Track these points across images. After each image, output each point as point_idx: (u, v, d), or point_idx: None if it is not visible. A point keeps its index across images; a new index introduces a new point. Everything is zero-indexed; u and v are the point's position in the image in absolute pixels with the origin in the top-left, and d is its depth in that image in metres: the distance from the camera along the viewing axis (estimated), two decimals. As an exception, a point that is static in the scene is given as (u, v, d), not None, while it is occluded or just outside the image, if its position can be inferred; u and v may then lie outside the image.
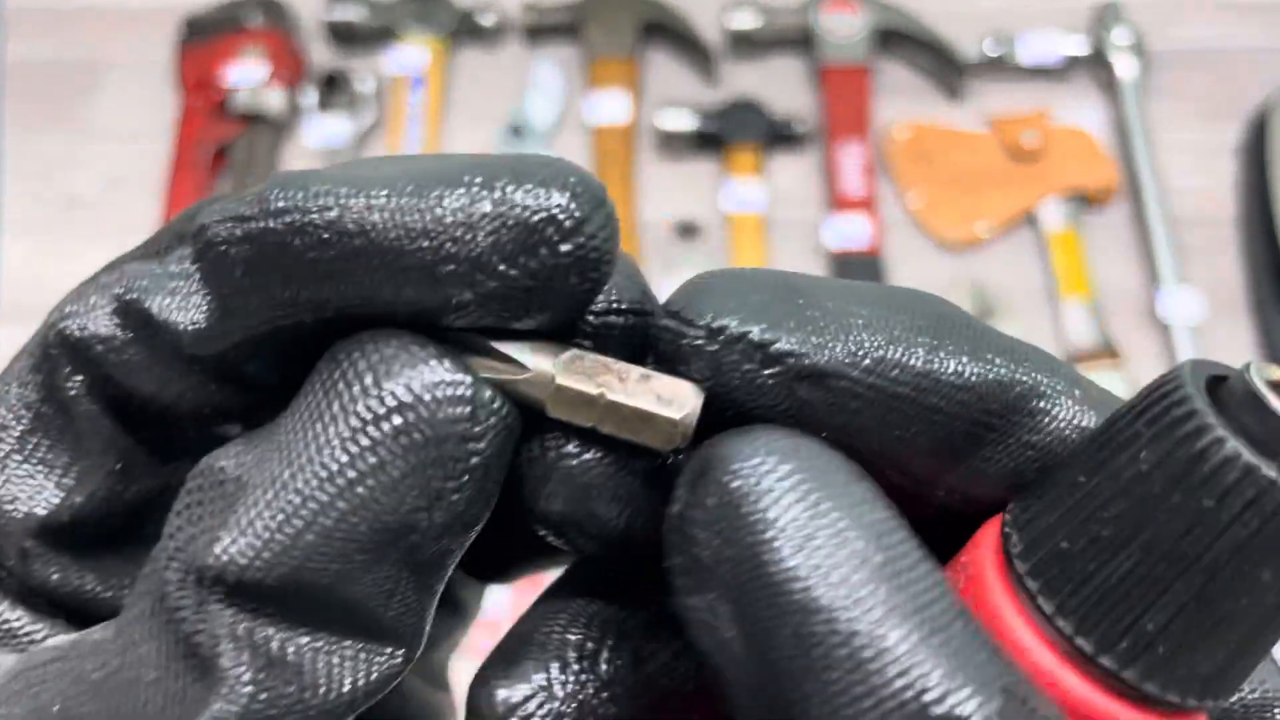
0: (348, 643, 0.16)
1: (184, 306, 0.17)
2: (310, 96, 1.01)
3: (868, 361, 0.16)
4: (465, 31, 1.04)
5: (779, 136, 0.97)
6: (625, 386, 0.16)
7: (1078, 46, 1.00)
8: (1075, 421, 0.17)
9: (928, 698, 0.13)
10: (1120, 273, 0.93)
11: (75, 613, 0.20)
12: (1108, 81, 1.00)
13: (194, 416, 0.19)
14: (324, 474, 0.15)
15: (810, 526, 0.14)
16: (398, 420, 0.15)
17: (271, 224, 0.16)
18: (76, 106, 1.03)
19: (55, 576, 0.19)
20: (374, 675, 0.17)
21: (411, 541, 0.16)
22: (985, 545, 0.17)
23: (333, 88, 1.01)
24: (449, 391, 0.15)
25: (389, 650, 0.17)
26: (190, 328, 0.17)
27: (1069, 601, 0.15)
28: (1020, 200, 0.95)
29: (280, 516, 0.15)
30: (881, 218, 0.95)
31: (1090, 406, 0.17)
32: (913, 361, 0.16)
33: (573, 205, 0.15)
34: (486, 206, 0.15)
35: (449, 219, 0.15)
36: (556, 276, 0.15)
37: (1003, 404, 0.17)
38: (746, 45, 1.02)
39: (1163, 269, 0.90)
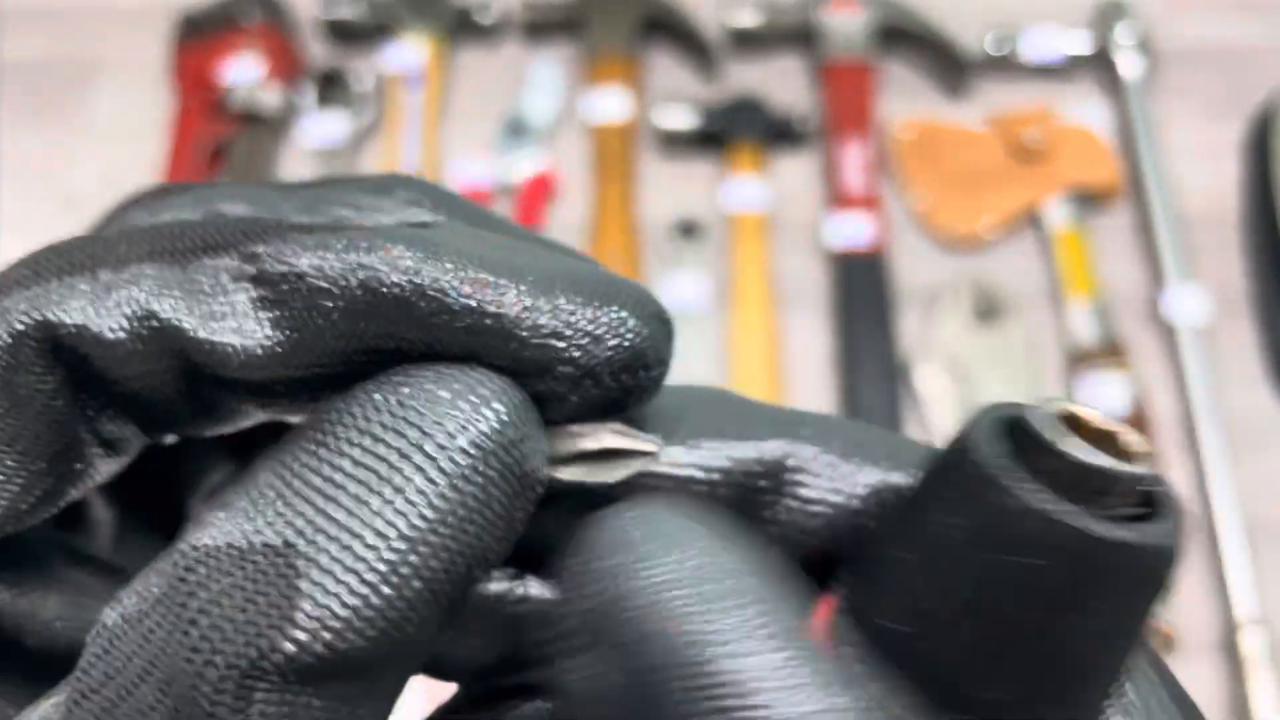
0: (367, 702, 0.15)
1: (238, 331, 0.16)
2: (308, 94, 1.00)
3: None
4: (464, 29, 1.03)
5: (780, 134, 0.97)
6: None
7: (1081, 44, 0.99)
8: (838, 483, 0.19)
9: None
10: (1125, 272, 0.92)
11: None
12: (1112, 79, 0.99)
13: (165, 421, 0.18)
14: (429, 520, 0.15)
15: (690, 577, 0.14)
16: (499, 457, 0.15)
17: (398, 279, 0.16)
18: (72, 105, 1.03)
19: None
20: None
21: (475, 579, 0.15)
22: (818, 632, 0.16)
23: (330, 85, 1.00)
24: (528, 418, 0.16)
25: (393, 703, 0.16)
26: (244, 356, 0.16)
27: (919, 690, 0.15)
28: (1024, 199, 0.94)
29: (376, 576, 0.14)
30: (884, 216, 0.94)
31: (853, 460, 0.19)
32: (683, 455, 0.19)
33: (664, 338, 0.17)
34: (608, 324, 0.16)
35: (579, 327, 0.16)
36: (635, 393, 0.17)
37: (761, 479, 0.18)
38: (747, 43, 1.02)
39: (1168, 268, 0.90)
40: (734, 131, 0.96)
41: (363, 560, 0.14)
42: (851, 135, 0.96)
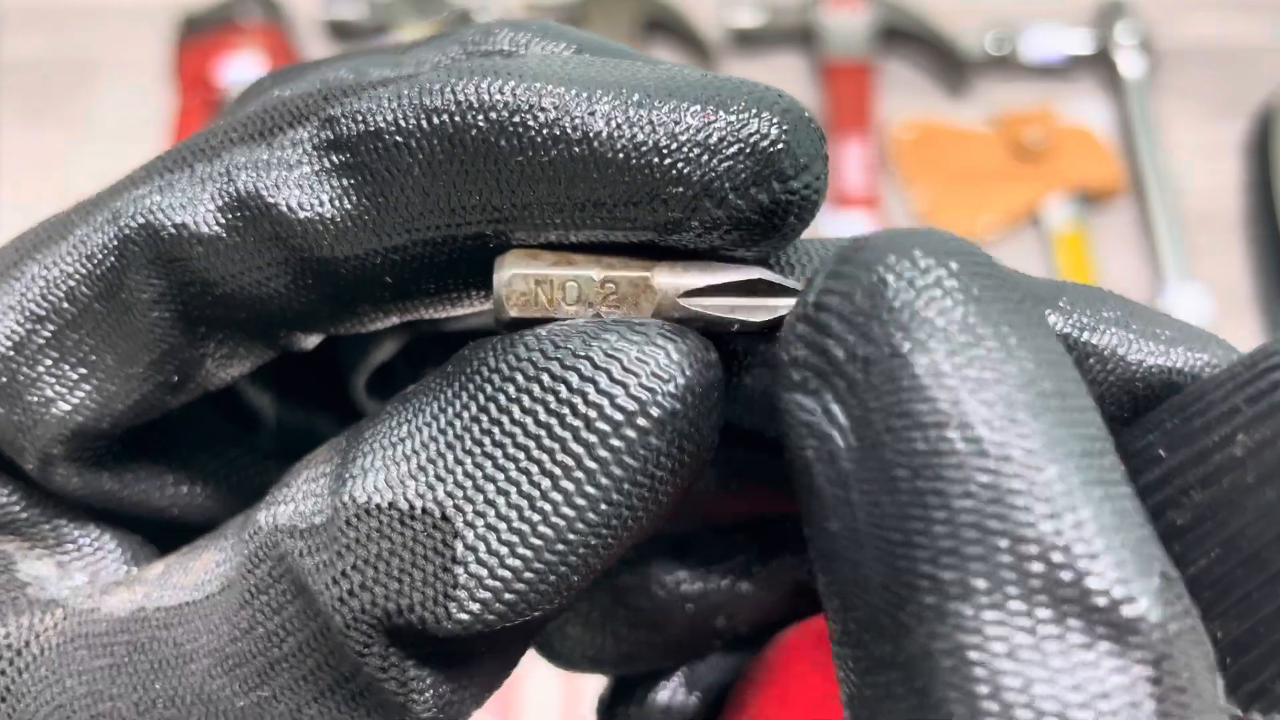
0: (484, 665, 0.15)
1: (322, 201, 0.15)
2: (308, 94, 1.00)
3: None
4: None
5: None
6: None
7: (1082, 43, 0.99)
8: (1114, 372, 0.16)
9: (1083, 566, 0.11)
10: (1126, 271, 0.92)
11: (94, 514, 0.18)
12: (1112, 79, 0.99)
13: (281, 323, 0.17)
14: (596, 502, 0.13)
15: (971, 334, 0.12)
16: (691, 439, 0.14)
17: (473, 119, 0.14)
18: (73, 104, 1.03)
19: (75, 483, 0.18)
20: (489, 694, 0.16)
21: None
22: None
23: (331, 85, 1.00)
24: (707, 372, 0.14)
25: (510, 669, 0.16)
26: (333, 226, 0.15)
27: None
28: (1024, 198, 0.94)
29: (530, 552, 0.13)
30: (884, 215, 0.94)
31: (1151, 343, 0.16)
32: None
33: (805, 140, 0.14)
34: (723, 129, 0.14)
35: (685, 137, 0.14)
36: (779, 213, 0.14)
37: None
38: (747, 42, 1.02)
39: (1168, 267, 0.90)
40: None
41: (518, 535, 0.13)
42: (852, 134, 0.96)
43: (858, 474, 0.12)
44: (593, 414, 0.13)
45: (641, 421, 0.13)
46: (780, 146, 0.14)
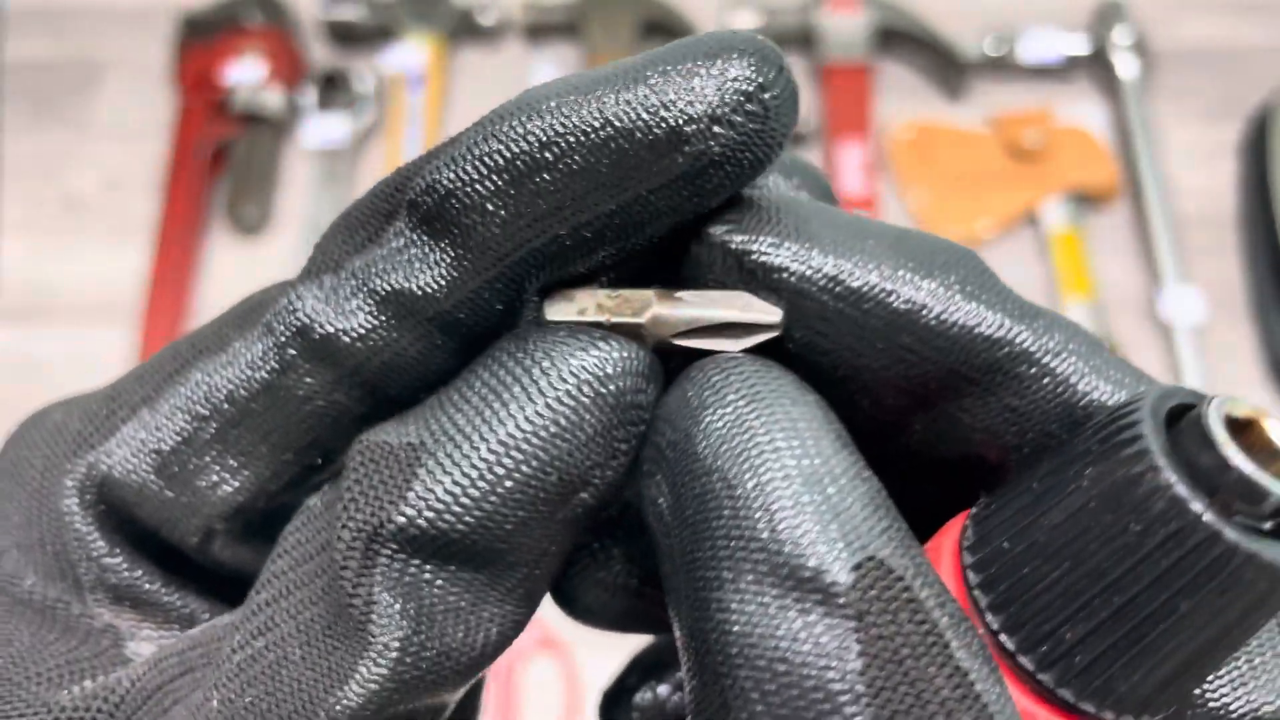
0: (490, 601, 0.18)
1: (434, 268, 0.18)
2: (309, 96, 1.01)
3: (828, 283, 0.17)
4: (465, 30, 1.04)
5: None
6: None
7: (1079, 45, 1.00)
8: (1062, 396, 0.17)
9: (794, 555, 0.15)
10: (1122, 273, 0.92)
11: (225, 593, 0.21)
12: (1109, 81, 1.00)
13: (420, 387, 0.19)
14: (524, 430, 0.17)
15: (738, 414, 0.16)
16: (592, 386, 0.17)
17: (520, 145, 0.17)
18: (75, 106, 1.03)
19: (228, 556, 0.20)
20: (503, 635, 0.18)
21: (580, 500, 0.17)
22: (949, 534, 0.17)
23: (332, 87, 1.01)
24: (631, 364, 0.17)
25: (520, 611, 0.18)
26: (446, 284, 0.18)
27: (1000, 599, 0.16)
28: (1021, 200, 0.95)
29: (475, 471, 0.17)
30: (882, 217, 0.95)
31: (1102, 380, 0.17)
32: (891, 299, 0.17)
33: (761, 64, 0.17)
34: (701, 74, 0.17)
35: (676, 88, 0.17)
36: (770, 119, 0.17)
37: (986, 360, 0.17)
38: (747, 44, 1.02)
39: (1164, 269, 0.90)
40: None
41: (466, 458, 0.17)
42: (850, 136, 0.97)
43: (673, 523, 0.16)
44: (530, 378, 0.17)
45: (566, 386, 0.17)
46: (747, 70, 0.17)
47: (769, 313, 0.17)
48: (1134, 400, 0.15)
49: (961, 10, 1.03)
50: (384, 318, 0.18)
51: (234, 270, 0.95)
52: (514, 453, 0.17)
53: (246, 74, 0.99)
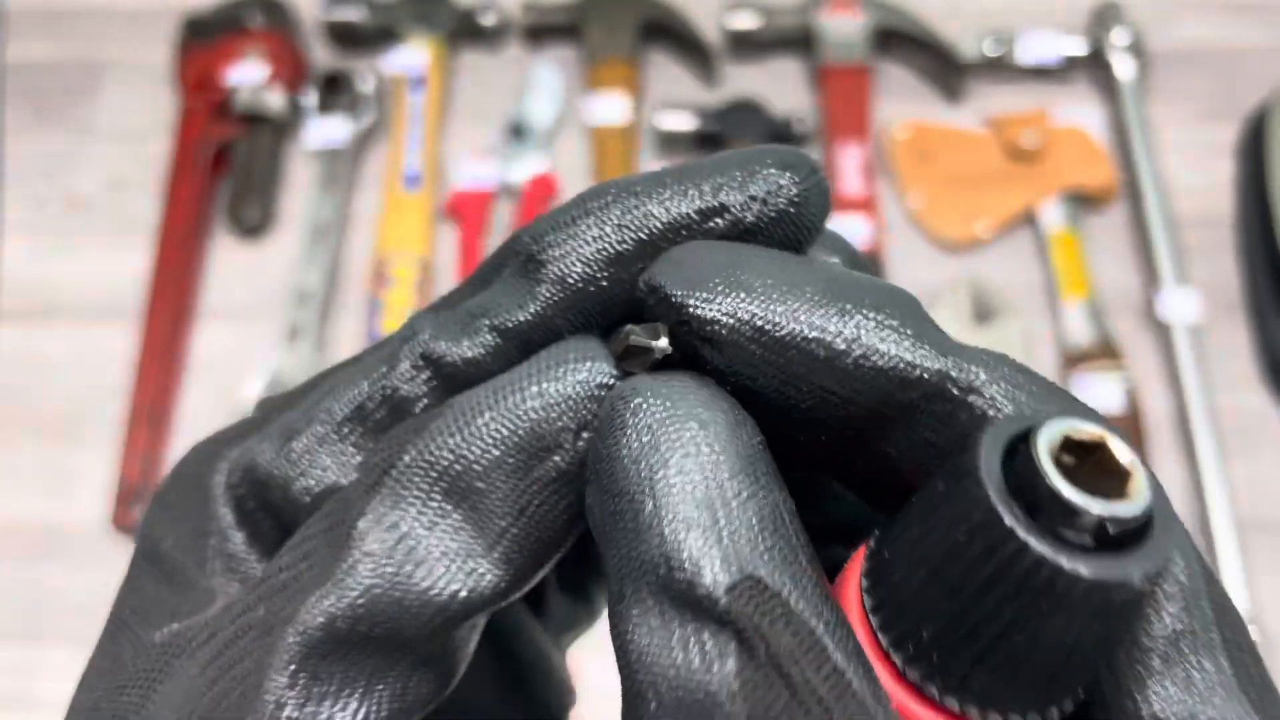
0: (473, 555, 0.19)
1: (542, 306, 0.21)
2: (311, 97, 1.01)
3: (755, 333, 0.18)
4: (465, 32, 1.04)
5: (779, 137, 0.97)
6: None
7: (1077, 46, 1.00)
8: (978, 429, 0.18)
9: (680, 572, 0.16)
10: (1120, 273, 0.93)
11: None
12: (1107, 81, 1.00)
13: None
14: (506, 392, 0.19)
15: (651, 439, 0.17)
16: (569, 375, 0.19)
17: (607, 231, 0.20)
18: (76, 107, 1.04)
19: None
20: (474, 593, 0.19)
21: (553, 463, 0.19)
22: (856, 560, 0.18)
23: (333, 88, 1.01)
24: (603, 378, 0.19)
25: (496, 574, 0.19)
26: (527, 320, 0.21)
27: (878, 602, 0.17)
28: (1020, 200, 0.95)
29: (463, 419, 0.19)
30: (881, 218, 0.95)
31: (1020, 411, 0.18)
32: (812, 346, 0.18)
33: (785, 157, 0.21)
34: (741, 178, 0.20)
35: (725, 199, 0.20)
36: (806, 204, 0.20)
37: (902, 401, 0.18)
38: (746, 45, 1.02)
39: (1162, 269, 0.91)
40: (733, 133, 0.97)
41: (466, 414, 0.19)
42: (849, 137, 0.97)
43: (600, 531, 0.18)
44: (519, 389, 0.19)
45: (546, 394, 0.19)
46: (771, 171, 0.20)
47: (659, 342, 0.19)
48: (974, 442, 0.16)
49: (960, 11, 1.03)
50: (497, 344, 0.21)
51: (235, 271, 0.96)
52: (501, 402, 0.19)
53: (248, 75, 1.00)
